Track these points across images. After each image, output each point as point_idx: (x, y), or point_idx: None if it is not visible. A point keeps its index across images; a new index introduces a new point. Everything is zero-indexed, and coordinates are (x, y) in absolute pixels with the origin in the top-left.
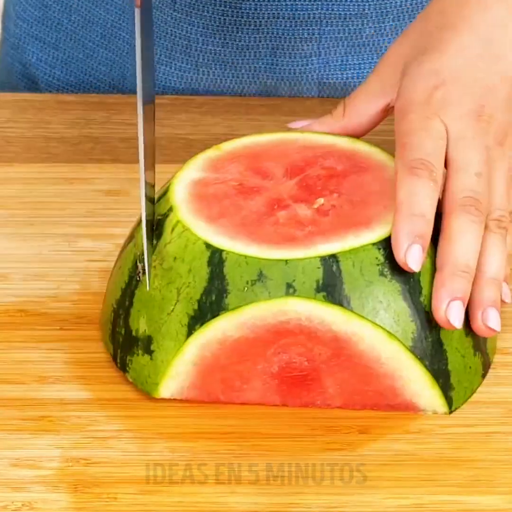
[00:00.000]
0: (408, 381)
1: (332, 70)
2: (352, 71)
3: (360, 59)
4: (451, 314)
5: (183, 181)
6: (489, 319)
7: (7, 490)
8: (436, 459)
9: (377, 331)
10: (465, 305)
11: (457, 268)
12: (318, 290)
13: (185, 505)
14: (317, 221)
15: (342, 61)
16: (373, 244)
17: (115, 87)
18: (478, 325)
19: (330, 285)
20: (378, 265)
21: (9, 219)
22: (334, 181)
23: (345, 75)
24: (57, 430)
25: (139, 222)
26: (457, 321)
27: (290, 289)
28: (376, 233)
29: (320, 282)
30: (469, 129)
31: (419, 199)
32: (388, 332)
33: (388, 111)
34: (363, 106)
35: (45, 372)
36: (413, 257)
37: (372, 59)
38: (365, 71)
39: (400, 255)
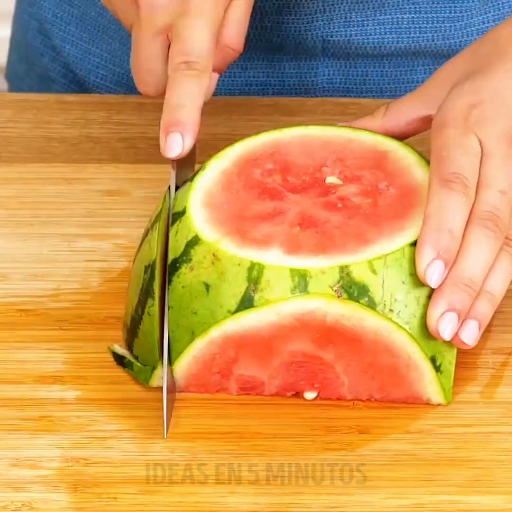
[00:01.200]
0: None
1: (336, 27)
2: (355, 28)
3: (363, 16)
4: (442, 324)
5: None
6: (464, 331)
7: (7, 490)
8: (436, 459)
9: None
10: (461, 320)
11: (461, 280)
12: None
13: (185, 505)
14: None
15: (345, 18)
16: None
17: (125, 44)
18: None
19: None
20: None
21: (9, 219)
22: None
23: (348, 32)
24: (57, 430)
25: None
26: (447, 333)
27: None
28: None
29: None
30: (501, 149)
31: (449, 213)
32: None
33: (427, 123)
34: (403, 109)
35: (45, 372)
36: (432, 273)
37: (375, 16)
38: (368, 29)
39: (420, 268)
